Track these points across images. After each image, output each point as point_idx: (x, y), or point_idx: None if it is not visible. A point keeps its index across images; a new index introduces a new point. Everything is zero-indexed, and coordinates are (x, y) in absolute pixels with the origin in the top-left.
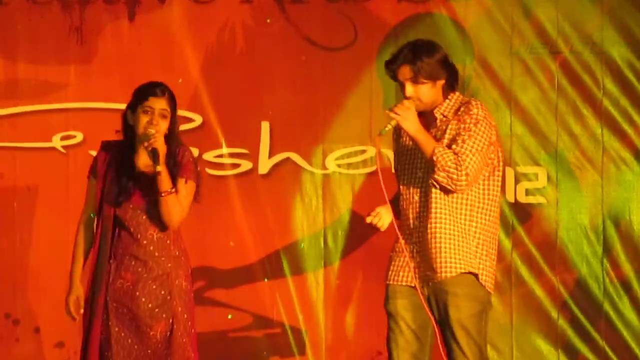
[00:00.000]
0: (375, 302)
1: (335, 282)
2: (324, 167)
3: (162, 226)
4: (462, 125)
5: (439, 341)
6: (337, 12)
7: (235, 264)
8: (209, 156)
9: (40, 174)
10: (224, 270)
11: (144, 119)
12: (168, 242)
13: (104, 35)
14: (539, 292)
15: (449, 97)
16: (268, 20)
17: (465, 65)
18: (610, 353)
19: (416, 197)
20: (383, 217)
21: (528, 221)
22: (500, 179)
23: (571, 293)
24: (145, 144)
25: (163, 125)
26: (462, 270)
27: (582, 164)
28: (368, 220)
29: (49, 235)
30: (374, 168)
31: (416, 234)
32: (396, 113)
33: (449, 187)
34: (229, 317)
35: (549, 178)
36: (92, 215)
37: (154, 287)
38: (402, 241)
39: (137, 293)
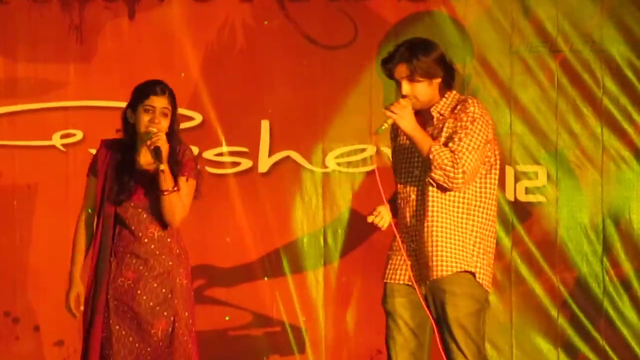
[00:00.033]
0: (375, 301)
1: (335, 281)
2: (324, 166)
3: (163, 224)
4: (459, 123)
5: (437, 339)
6: (337, 11)
7: (235, 263)
8: (208, 154)
9: (40, 172)
10: (223, 269)
11: (145, 118)
12: (169, 240)
13: (104, 33)
14: (539, 290)
15: (446, 95)
16: (265, 22)
17: (465, 64)
18: (610, 352)
19: (413, 196)
20: (384, 217)
21: (528, 220)
22: (497, 177)
23: (571, 292)
24: (148, 142)
25: (164, 124)
26: (459, 269)
27: (582, 163)
28: (369, 219)
29: (49, 233)
30: (374, 166)
31: (413, 232)
32: (392, 112)
33: (445, 185)
34: (227, 318)
35: (548, 177)
36: (89, 211)
37: (155, 285)
38: (399, 239)
39: (139, 291)
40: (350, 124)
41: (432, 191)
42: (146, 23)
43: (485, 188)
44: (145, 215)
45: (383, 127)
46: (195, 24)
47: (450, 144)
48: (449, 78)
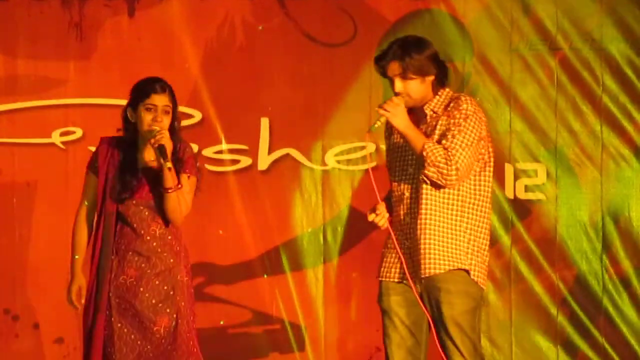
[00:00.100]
0: (374, 298)
1: (335, 278)
2: (324, 163)
3: (165, 222)
4: (452, 121)
5: (435, 337)
6: (336, 8)
7: (235, 260)
8: (208, 152)
9: (40, 170)
10: (223, 266)
11: (148, 117)
12: (170, 237)
13: (104, 31)
14: (539, 288)
15: (439, 93)
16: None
17: (464, 62)
18: (609, 349)
19: (407, 194)
20: (384, 215)
21: (527, 217)
22: (491, 174)
23: (570, 289)
24: (152, 140)
25: (166, 121)
26: (451, 267)
27: (582, 161)
28: (370, 218)
29: (48, 231)
30: (373, 164)
31: (407, 230)
32: (385, 110)
33: (439, 182)
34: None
35: (548, 174)
36: (86, 203)
37: (157, 282)
38: (394, 237)
39: (141, 289)
40: (349, 122)
41: (426, 189)
42: (146, 20)
43: (480, 185)
44: (147, 213)
45: (376, 125)
46: (195, 22)
47: (444, 141)
48: (442, 76)
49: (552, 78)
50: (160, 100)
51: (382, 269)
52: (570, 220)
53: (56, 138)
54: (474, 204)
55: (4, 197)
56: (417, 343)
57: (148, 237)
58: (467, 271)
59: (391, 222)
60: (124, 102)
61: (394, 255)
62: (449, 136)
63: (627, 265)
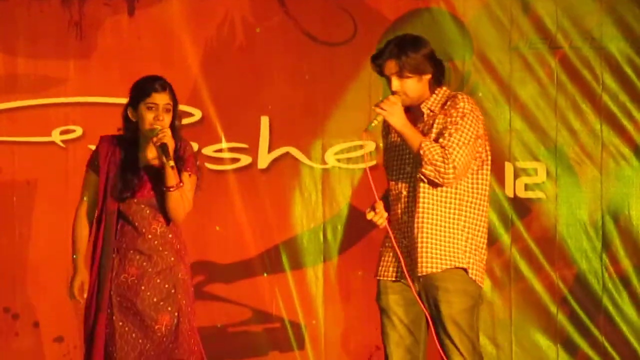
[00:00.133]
0: (374, 297)
1: (335, 277)
2: (323, 162)
3: (166, 220)
4: (449, 119)
5: (434, 336)
6: (336, 7)
7: (235, 259)
8: (208, 151)
9: (40, 169)
10: (223, 265)
11: (149, 116)
12: (170, 236)
13: (104, 30)
14: (538, 287)
15: (436, 91)
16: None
17: (464, 61)
18: (609, 348)
19: (405, 192)
20: (383, 214)
21: (527, 216)
22: (489, 172)
23: (570, 288)
24: (154, 139)
25: (168, 120)
26: (448, 266)
27: (582, 159)
28: (369, 216)
29: (48, 229)
30: (373, 163)
31: (405, 228)
32: (382, 109)
33: (437, 181)
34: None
35: (548, 173)
36: (86, 200)
37: (158, 281)
38: (392, 236)
39: (143, 287)
40: (349, 120)
41: (424, 187)
42: (146, 19)
43: (477, 183)
44: (148, 212)
45: (373, 124)
46: (195, 21)
47: (441, 140)
48: (438, 74)
49: (552, 77)
50: (161, 98)
51: (380, 268)
52: (570, 219)
53: (56, 137)
54: (471, 202)
55: (4, 196)
56: (416, 342)
57: (149, 236)
58: (466, 270)
59: (389, 220)
60: (124, 100)
61: (391, 254)
62: (446, 134)
63: (626, 264)
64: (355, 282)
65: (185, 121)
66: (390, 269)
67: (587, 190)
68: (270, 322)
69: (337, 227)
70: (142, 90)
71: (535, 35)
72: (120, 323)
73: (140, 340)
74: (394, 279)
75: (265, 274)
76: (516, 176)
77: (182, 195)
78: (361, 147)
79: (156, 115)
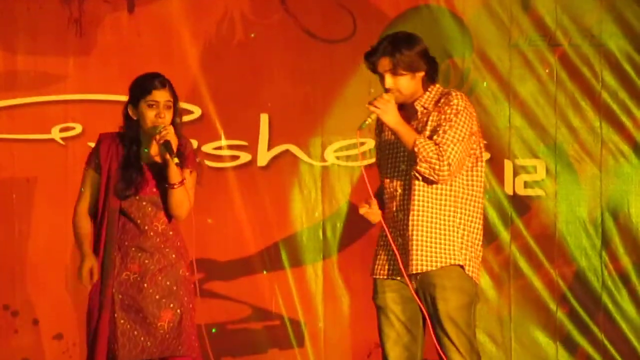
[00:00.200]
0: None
1: (334, 274)
2: (323, 159)
3: (168, 217)
4: (443, 116)
5: (432, 333)
6: (336, 4)
7: (234, 256)
8: (207, 148)
9: (39, 166)
10: (222, 262)
11: (151, 114)
12: (171, 233)
13: (103, 27)
14: (538, 284)
15: (429, 89)
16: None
17: (463, 58)
18: (608, 345)
19: (400, 190)
20: (375, 212)
21: (527, 213)
22: (483, 169)
23: (570, 286)
24: (157, 137)
25: (169, 117)
26: (444, 263)
27: (581, 157)
28: (361, 211)
29: (48, 227)
30: (372, 160)
31: (400, 226)
32: (376, 106)
33: (431, 178)
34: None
35: (547, 171)
36: (86, 197)
37: (160, 278)
38: (388, 233)
39: (145, 285)
40: (349, 118)
41: (418, 185)
42: (145, 16)
43: (472, 180)
44: (150, 209)
45: (366, 122)
46: (194, 17)
47: (435, 137)
48: (432, 72)
49: (552, 74)
50: (161, 95)
51: (376, 266)
52: (570, 216)
53: (56, 134)
54: (466, 199)
55: (3, 193)
56: (414, 339)
57: (151, 233)
58: (462, 266)
59: (384, 218)
60: (123, 97)
61: (387, 252)
62: (440, 132)
63: (626, 261)
64: (354, 279)
65: (184, 118)
66: (386, 267)
67: (586, 187)
68: (270, 320)
69: (336, 224)
70: (142, 87)
71: (535, 32)
72: (122, 321)
73: (142, 338)
74: (390, 277)
75: (264, 272)
76: (515, 173)
77: (184, 192)
78: (361, 144)
79: (157, 113)
